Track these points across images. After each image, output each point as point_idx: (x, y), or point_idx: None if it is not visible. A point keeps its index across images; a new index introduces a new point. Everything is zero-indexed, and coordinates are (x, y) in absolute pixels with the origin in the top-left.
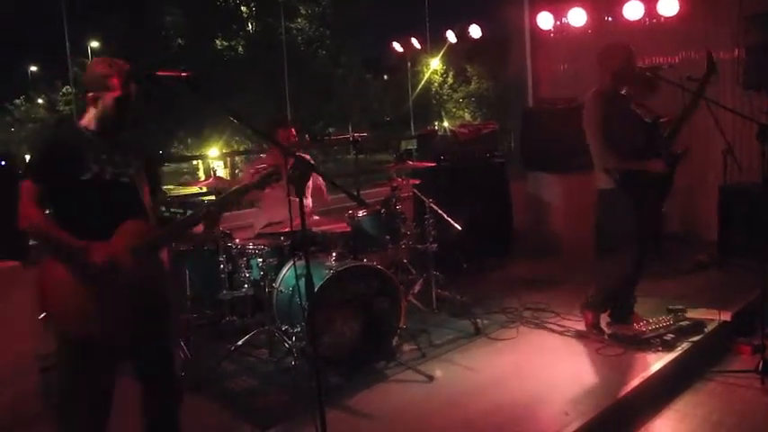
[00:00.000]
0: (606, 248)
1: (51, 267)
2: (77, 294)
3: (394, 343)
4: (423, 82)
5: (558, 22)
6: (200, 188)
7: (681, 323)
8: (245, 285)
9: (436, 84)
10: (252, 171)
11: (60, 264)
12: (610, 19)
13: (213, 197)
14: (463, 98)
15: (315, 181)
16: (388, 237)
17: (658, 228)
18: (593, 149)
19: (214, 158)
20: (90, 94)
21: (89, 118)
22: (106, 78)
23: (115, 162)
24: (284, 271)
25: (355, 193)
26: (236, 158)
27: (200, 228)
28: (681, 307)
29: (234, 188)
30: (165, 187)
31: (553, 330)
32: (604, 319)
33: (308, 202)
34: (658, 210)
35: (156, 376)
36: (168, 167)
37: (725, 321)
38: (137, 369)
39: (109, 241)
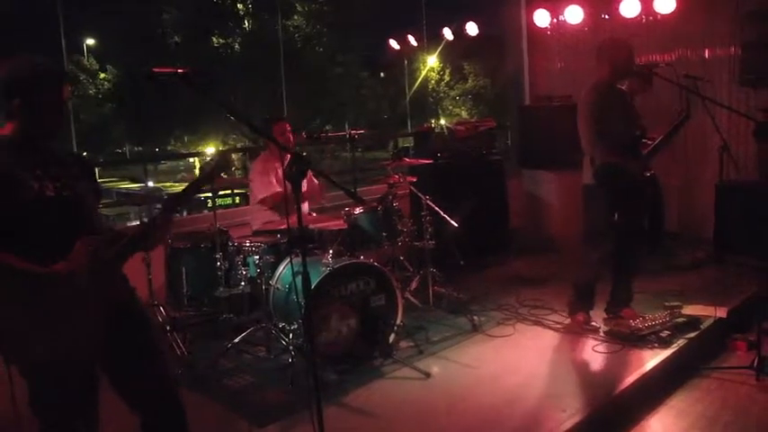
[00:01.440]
0: (589, 242)
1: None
2: (43, 323)
3: (391, 340)
4: (419, 79)
5: (555, 20)
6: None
7: (677, 320)
8: (242, 283)
9: (433, 81)
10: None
11: (11, 292)
12: (606, 17)
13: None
14: (460, 96)
15: (310, 183)
16: (384, 234)
17: (636, 228)
18: (582, 140)
19: (210, 156)
20: (16, 101)
21: (15, 128)
22: (35, 81)
23: (54, 175)
24: (281, 268)
25: (352, 191)
26: (233, 156)
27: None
28: (677, 303)
29: (186, 185)
30: (162, 185)
31: (550, 327)
32: (600, 317)
33: (305, 206)
34: (633, 213)
35: (153, 405)
36: (165, 165)
37: (720, 318)
38: (128, 398)
39: (65, 263)
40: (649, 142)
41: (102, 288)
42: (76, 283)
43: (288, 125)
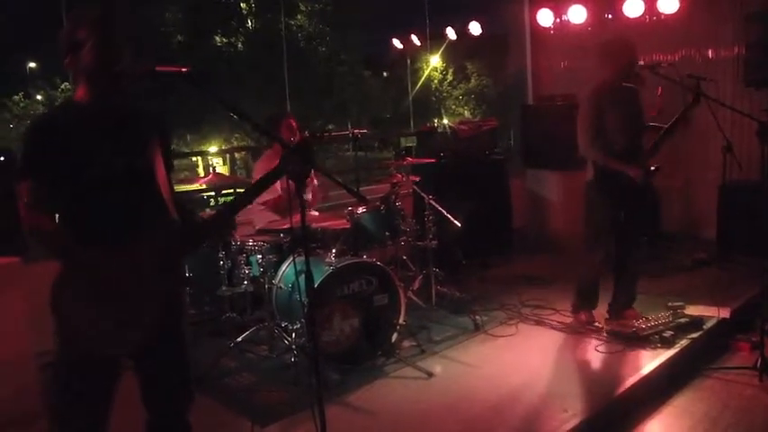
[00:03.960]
0: (591, 241)
1: (66, 282)
2: (100, 314)
3: (393, 339)
4: (422, 79)
5: (558, 20)
6: (200, 185)
7: (680, 320)
8: (245, 282)
9: (436, 81)
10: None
11: (76, 276)
12: (610, 16)
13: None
14: (463, 95)
15: (310, 183)
16: (387, 233)
17: (632, 232)
18: (579, 140)
19: (213, 155)
20: (66, 60)
21: (80, 89)
22: (76, 31)
23: (125, 146)
24: (284, 267)
25: (355, 190)
26: (236, 155)
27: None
28: (680, 304)
29: (253, 184)
30: None
31: (552, 327)
32: (603, 317)
33: (309, 197)
34: (635, 213)
35: (164, 378)
36: None
37: (724, 318)
38: (142, 369)
39: (130, 252)
40: (657, 125)
41: (161, 281)
42: (138, 274)
43: (294, 120)
